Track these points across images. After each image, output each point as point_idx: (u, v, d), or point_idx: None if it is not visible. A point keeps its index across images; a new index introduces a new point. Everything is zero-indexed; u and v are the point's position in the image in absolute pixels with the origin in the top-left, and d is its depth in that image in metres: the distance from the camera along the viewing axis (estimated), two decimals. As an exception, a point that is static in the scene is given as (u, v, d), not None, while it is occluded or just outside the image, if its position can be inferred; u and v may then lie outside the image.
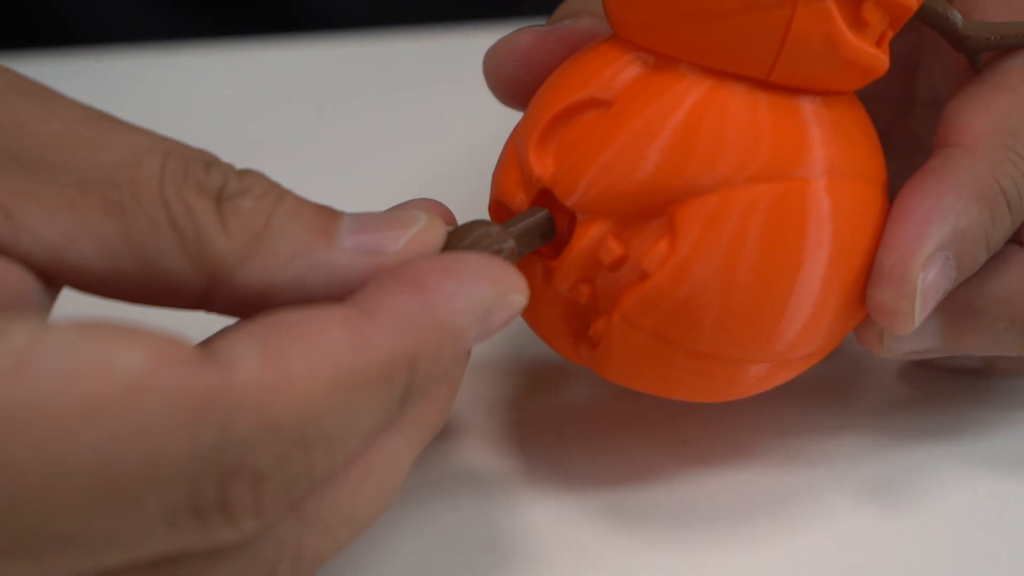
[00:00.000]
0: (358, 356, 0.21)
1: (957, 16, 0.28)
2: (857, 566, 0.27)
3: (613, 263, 0.26)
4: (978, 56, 0.28)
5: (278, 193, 0.24)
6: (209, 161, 0.23)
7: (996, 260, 0.28)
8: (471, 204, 0.31)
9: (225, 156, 0.24)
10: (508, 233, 0.25)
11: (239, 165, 0.24)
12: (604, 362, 0.27)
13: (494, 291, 0.23)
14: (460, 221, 0.26)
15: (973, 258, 0.27)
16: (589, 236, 0.26)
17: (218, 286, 0.23)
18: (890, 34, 0.26)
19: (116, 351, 0.19)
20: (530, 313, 0.28)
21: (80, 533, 0.20)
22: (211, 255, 0.23)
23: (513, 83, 0.30)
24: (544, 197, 0.27)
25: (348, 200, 0.26)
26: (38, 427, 0.19)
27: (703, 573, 0.27)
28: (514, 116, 0.29)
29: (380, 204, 0.26)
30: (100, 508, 0.19)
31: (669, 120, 0.25)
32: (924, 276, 0.26)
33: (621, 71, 0.26)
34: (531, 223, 0.26)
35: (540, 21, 0.30)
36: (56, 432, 0.19)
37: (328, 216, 0.24)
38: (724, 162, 0.25)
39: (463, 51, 0.34)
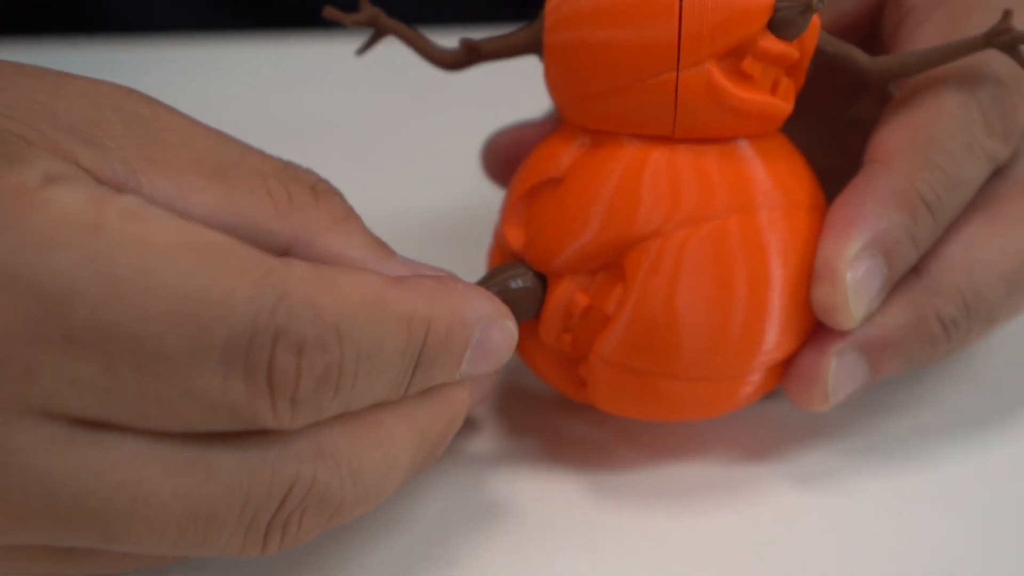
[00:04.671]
0: (388, 295, 0.26)
1: (859, 53, 0.32)
2: (787, 537, 0.31)
3: (582, 313, 0.31)
4: (890, 85, 0.32)
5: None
6: (303, 167, 0.29)
7: (894, 293, 0.32)
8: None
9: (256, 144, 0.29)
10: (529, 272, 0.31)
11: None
12: (597, 399, 0.32)
13: (494, 309, 0.28)
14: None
15: (901, 255, 0.31)
16: (559, 294, 0.31)
17: (297, 248, 0.28)
18: (788, 80, 0.30)
19: (203, 229, 0.25)
20: (532, 363, 0.33)
21: (159, 350, 0.23)
22: (300, 219, 0.28)
23: (501, 170, 0.37)
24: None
25: (371, 190, 0.32)
26: (147, 253, 0.23)
27: (666, 536, 0.31)
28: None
29: (405, 195, 0.31)
30: (180, 324, 0.23)
31: (606, 187, 0.30)
32: (854, 273, 0.30)
33: (567, 151, 0.31)
34: (531, 291, 0.31)
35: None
36: (159, 259, 0.23)
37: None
38: (655, 214, 0.30)
39: None
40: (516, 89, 0.36)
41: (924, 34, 0.33)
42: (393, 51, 0.37)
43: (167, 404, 0.24)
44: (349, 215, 0.29)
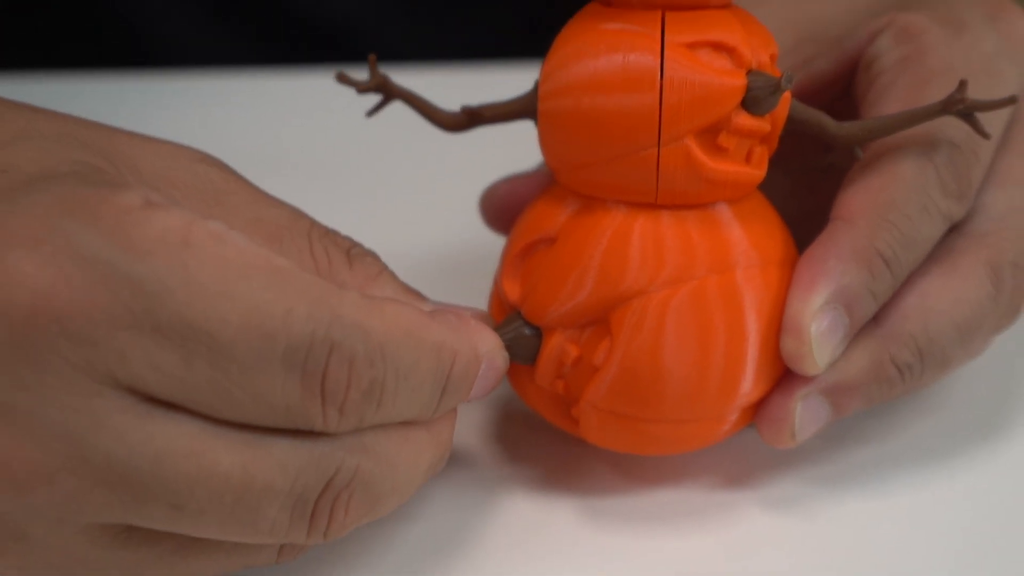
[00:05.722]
0: (423, 326, 0.30)
1: (827, 120, 0.35)
2: (759, 558, 0.34)
3: (572, 362, 0.34)
4: (855, 148, 0.35)
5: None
6: (342, 235, 0.34)
7: (856, 341, 0.34)
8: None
9: (273, 172, 0.33)
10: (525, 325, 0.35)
11: (286, 181, 0.34)
12: (589, 436, 0.35)
13: (496, 344, 0.33)
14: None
15: (860, 308, 0.34)
16: (552, 345, 0.34)
17: None
18: (761, 148, 0.33)
19: (274, 255, 0.28)
20: (529, 402, 0.36)
21: (230, 351, 0.27)
22: (337, 281, 0.32)
23: (497, 218, 0.40)
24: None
25: (387, 221, 0.37)
26: (227, 268, 0.27)
27: (648, 556, 0.34)
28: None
29: (422, 226, 0.38)
30: (249, 331, 0.27)
31: (596, 250, 0.33)
32: (818, 325, 0.33)
33: (559, 213, 0.34)
34: (528, 340, 0.35)
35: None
36: (235, 274, 0.27)
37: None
38: (641, 276, 0.33)
39: (503, 85, 0.42)
40: (517, 129, 0.38)
41: (889, 98, 0.36)
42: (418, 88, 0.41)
43: (232, 398, 0.28)
44: (381, 272, 0.33)
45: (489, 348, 0.33)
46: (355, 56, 0.69)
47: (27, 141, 0.30)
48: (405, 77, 0.38)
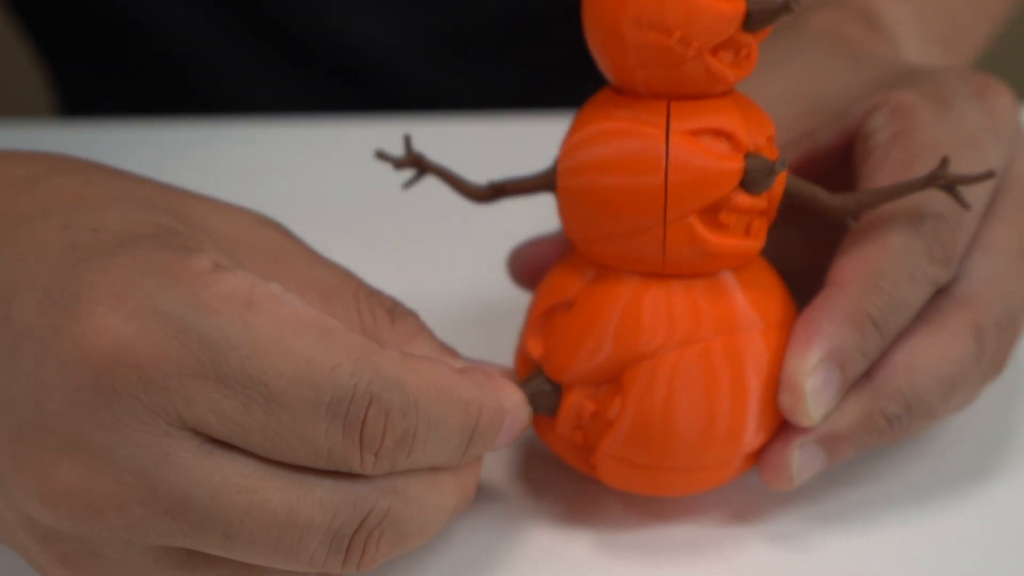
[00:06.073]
0: (454, 384, 0.34)
1: (822, 193, 0.38)
2: None
3: (589, 416, 0.37)
4: (848, 218, 0.38)
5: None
6: (386, 295, 0.38)
7: (848, 394, 0.38)
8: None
9: (314, 221, 0.38)
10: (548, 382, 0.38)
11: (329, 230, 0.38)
12: (605, 480, 0.38)
13: (520, 399, 0.37)
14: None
15: (852, 366, 0.37)
16: (571, 401, 0.37)
17: None
18: (760, 222, 0.37)
19: (324, 316, 0.33)
20: (552, 447, 0.40)
21: (283, 400, 0.31)
22: (380, 338, 0.36)
23: (524, 276, 0.44)
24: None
25: (424, 275, 0.44)
26: (283, 327, 0.32)
27: None
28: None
29: (456, 282, 0.46)
30: (300, 382, 0.31)
31: (611, 316, 0.37)
32: (813, 382, 0.36)
33: (577, 279, 0.38)
34: (550, 395, 0.38)
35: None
36: (290, 331, 0.32)
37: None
38: (653, 340, 0.36)
39: (549, 134, 0.45)
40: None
41: (882, 171, 0.39)
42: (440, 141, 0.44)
43: (282, 441, 0.32)
44: (420, 331, 0.37)
45: (514, 404, 0.36)
46: (393, 98, 0.73)
47: (116, 203, 0.35)
48: (439, 125, 0.41)
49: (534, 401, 0.38)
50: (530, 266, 0.43)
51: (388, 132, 0.54)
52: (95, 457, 0.31)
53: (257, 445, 0.32)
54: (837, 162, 0.42)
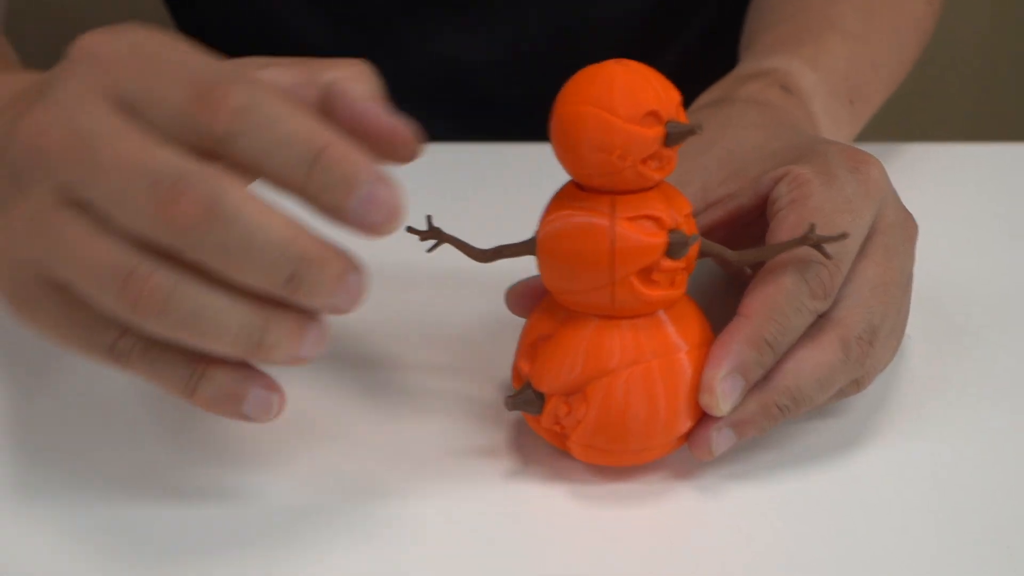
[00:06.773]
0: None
1: (727, 251, 0.52)
2: (688, 526, 0.51)
3: (564, 416, 0.52)
4: (745, 268, 0.52)
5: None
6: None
7: (751, 392, 0.51)
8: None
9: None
10: (534, 392, 0.52)
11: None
12: (578, 458, 0.53)
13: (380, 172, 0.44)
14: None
15: (752, 374, 0.51)
16: (551, 405, 0.52)
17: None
18: (682, 276, 0.51)
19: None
20: (539, 433, 0.54)
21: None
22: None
23: (517, 306, 0.57)
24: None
25: (435, 306, 0.61)
26: None
27: (620, 521, 0.51)
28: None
29: (462, 312, 0.62)
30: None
31: (581, 345, 0.51)
32: (723, 387, 0.50)
33: (554, 319, 0.52)
34: (536, 402, 0.53)
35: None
36: None
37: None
38: (609, 361, 0.50)
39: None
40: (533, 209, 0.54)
41: (781, 229, 0.52)
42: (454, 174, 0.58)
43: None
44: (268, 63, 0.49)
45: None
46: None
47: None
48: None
49: (526, 405, 0.52)
50: (523, 300, 0.56)
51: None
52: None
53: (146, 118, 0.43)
54: (754, 217, 0.56)
